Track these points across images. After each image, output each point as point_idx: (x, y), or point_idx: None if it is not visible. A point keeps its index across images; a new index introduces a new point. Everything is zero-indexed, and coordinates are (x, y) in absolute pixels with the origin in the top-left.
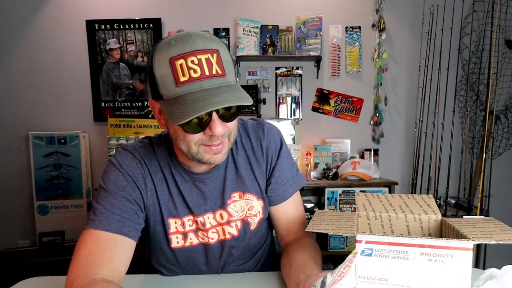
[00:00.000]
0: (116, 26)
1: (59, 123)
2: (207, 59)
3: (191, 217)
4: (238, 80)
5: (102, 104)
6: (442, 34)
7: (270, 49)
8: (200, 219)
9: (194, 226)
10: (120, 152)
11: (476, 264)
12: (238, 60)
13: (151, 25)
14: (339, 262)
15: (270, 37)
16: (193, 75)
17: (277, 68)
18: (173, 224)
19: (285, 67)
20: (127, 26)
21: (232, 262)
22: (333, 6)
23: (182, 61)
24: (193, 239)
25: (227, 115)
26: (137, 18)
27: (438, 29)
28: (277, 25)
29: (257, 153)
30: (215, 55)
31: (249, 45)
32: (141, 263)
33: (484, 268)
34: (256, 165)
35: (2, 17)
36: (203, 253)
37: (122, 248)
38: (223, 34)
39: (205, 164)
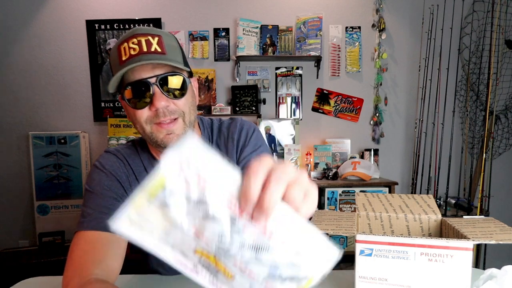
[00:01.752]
0: (116, 26)
1: (59, 123)
2: (147, 40)
3: None
4: (190, 69)
5: (102, 104)
6: (442, 34)
7: (270, 49)
8: None
9: None
10: (102, 155)
11: (476, 264)
12: (238, 60)
13: (151, 25)
14: (339, 262)
15: (270, 37)
16: (132, 52)
17: (277, 68)
18: None
19: (285, 67)
20: (127, 26)
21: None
22: (333, 6)
23: (125, 44)
24: None
25: (169, 90)
26: (137, 18)
27: (438, 29)
28: (277, 25)
29: (229, 147)
30: (156, 38)
31: (249, 45)
32: (139, 264)
33: (484, 268)
34: (230, 159)
35: (2, 17)
36: None
37: (114, 245)
38: (223, 34)
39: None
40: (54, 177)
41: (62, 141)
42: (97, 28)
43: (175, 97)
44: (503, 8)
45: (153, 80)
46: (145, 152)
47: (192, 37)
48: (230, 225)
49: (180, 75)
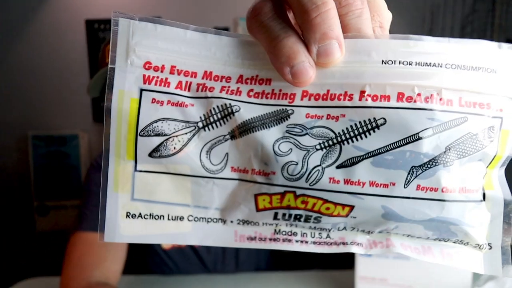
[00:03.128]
0: None
1: (58, 123)
2: None
3: None
4: None
5: (102, 104)
6: (442, 34)
7: None
8: None
9: None
10: (99, 155)
11: None
12: None
13: None
14: (339, 262)
15: None
16: None
17: None
18: None
19: None
20: None
21: (228, 263)
22: None
23: (109, 46)
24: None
25: None
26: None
27: (439, 28)
28: None
29: None
30: None
31: None
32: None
33: None
34: None
35: (1, 17)
36: (193, 255)
37: (114, 247)
38: None
39: None
40: (54, 177)
41: (62, 141)
42: (96, 27)
43: None
44: (504, 7)
45: None
46: None
47: None
48: (282, 123)
49: None
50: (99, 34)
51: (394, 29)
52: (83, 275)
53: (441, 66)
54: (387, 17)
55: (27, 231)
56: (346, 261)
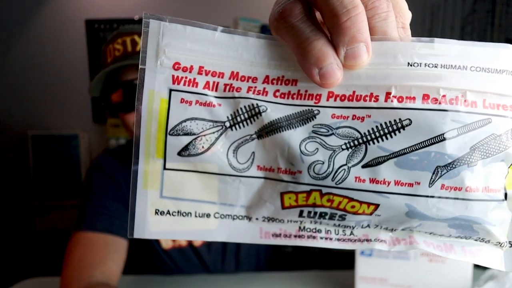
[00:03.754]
0: (116, 26)
1: (58, 123)
2: (132, 40)
3: None
4: None
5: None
6: (442, 34)
7: None
8: None
9: None
10: (100, 155)
11: (477, 265)
12: None
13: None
14: (339, 262)
15: None
16: (117, 54)
17: None
18: None
19: None
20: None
21: (228, 263)
22: None
23: (110, 45)
24: (181, 240)
25: None
26: (136, 18)
27: (439, 28)
28: None
29: None
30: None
31: None
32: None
33: (484, 269)
34: None
35: (1, 16)
36: (194, 255)
37: (114, 247)
38: None
39: None
40: (54, 177)
41: (62, 141)
42: (96, 27)
43: None
44: (504, 7)
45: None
46: None
47: None
48: (308, 123)
49: None
50: (99, 34)
51: None
52: (83, 275)
53: (465, 69)
54: (408, 17)
55: (27, 231)
56: (346, 261)
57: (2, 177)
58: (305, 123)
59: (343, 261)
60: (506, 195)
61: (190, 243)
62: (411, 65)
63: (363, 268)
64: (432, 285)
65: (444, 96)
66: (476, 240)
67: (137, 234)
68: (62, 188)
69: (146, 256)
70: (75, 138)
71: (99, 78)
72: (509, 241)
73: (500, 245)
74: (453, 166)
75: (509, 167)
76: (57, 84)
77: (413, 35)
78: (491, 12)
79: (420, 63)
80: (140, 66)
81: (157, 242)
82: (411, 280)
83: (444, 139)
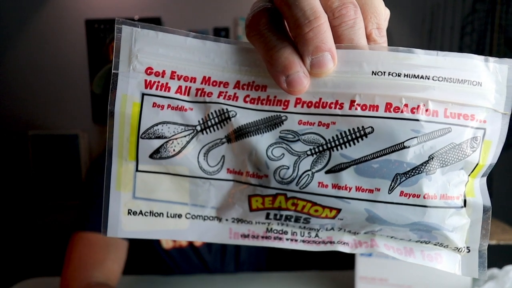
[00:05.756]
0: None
1: (58, 123)
2: None
3: None
4: None
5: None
6: (442, 34)
7: None
8: None
9: None
10: (102, 154)
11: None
12: None
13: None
14: (339, 262)
15: None
16: None
17: None
18: None
19: None
20: None
21: (228, 263)
22: None
23: (113, 43)
24: (181, 240)
25: None
26: (136, 18)
27: (439, 28)
28: None
29: None
30: None
31: None
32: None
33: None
34: None
35: (1, 16)
36: (194, 255)
37: (114, 248)
38: (223, 33)
39: None
40: (54, 177)
41: (62, 141)
42: (96, 27)
43: None
44: (504, 7)
45: None
46: None
47: None
48: (276, 129)
49: None
50: (99, 34)
51: (394, 29)
52: (83, 275)
53: (428, 79)
54: (384, 15)
55: (27, 231)
56: (346, 261)
57: (2, 177)
58: (273, 129)
59: (343, 261)
60: (465, 202)
61: (190, 243)
62: (375, 74)
63: (363, 268)
64: (432, 285)
65: (406, 105)
66: (435, 244)
67: (111, 233)
68: (62, 188)
69: (146, 256)
70: (75, 138)
71: (102, 75)
72: (467, 247)
73: (458, 250)
74: (412, 174)
75: (469, 175)
76: (57, 84)
77: (413, 35)
78: (491, 12)
79: (384, 72)
80: (113, 71)
81: (157, 242)
82: (411, 280)
83: (404, 147)
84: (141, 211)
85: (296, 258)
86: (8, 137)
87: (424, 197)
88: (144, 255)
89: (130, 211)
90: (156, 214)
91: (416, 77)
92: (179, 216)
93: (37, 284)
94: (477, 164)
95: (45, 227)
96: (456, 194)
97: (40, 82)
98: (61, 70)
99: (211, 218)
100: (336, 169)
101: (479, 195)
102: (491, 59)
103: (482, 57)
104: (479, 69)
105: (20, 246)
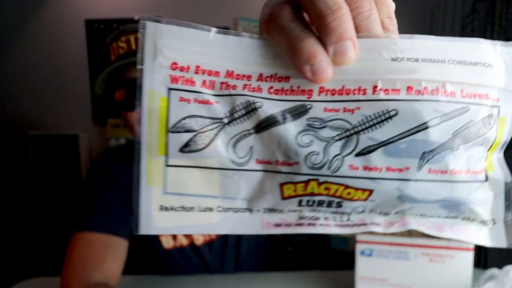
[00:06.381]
0: (116, 26)
1: (58, 122)
2: (136, 38)
3: None
4: None
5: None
6: (442, 34)
7: None
8: None
9: None
10: (101, 154)
11: (477, 264)
12: None
13: None
14: (339, 261)
15: None
16: (121, 52)
17: None
18: None
19: None
20: None
21: (227, 263)
22: None
23: (114, 43)
24: (182, 240)
25: None
26: (137, 18)
27: (439, 28)
28: None
29: None
30: None
31: None
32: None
33: (485, 269)
34: None
35: (1, 16)
36: (195, 255)
37: (114, 248)
38: None
39: None
40: (54, 177)
41: (62, 141)
42: (96, 27)
43: None
44: (504, 7)
45: None
46: None
47: None
48: (302, 117)
49: None
50: (99, 34)
51: None
52: (83, 275)
53: (444, 62)
54: (393, 6)
55: (27, 231)
56: (346, 261)
57: (2, 177)
58: (299, 117)
59: (343, 261)
60: (487, 176)
61: (191, 243)
62: (394, 60)
63: (363, 268)
64: (432, 285)
65: (425, 87)
66: (463, 219)
67: (143, 231)
68: (62, 188)
69: (147, 256)
70: (75, 138)
71: (104, 77)
72: (493, 219)
73: (485, 223)
74: (438, 151)
75: (488, 151)
76: (57, 84)
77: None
78: (491, 12)
79: (403, 58)
80: (137, 67)
81: (158, 242)
82: (411, 280)
83: (428, 127)
84: (172, 206)
85: (296, 258)
86: (8, 137)
87: (451, 173)
88: (144, 255)
89: (162, 207)
90: (188, 209)
91: (432, 61)
92: (210, 209)
93: (37, 284)
94: (494, 140)
95: (45, 227)
96: (479, 168)
97: (40, 82)
98: (61, 70)
99: (242, 210)
100: (365, 152)
101: (499, 169)
102: (498, 42)
103: (489, 41)
104: (489, 52)
105: (20, 246)
